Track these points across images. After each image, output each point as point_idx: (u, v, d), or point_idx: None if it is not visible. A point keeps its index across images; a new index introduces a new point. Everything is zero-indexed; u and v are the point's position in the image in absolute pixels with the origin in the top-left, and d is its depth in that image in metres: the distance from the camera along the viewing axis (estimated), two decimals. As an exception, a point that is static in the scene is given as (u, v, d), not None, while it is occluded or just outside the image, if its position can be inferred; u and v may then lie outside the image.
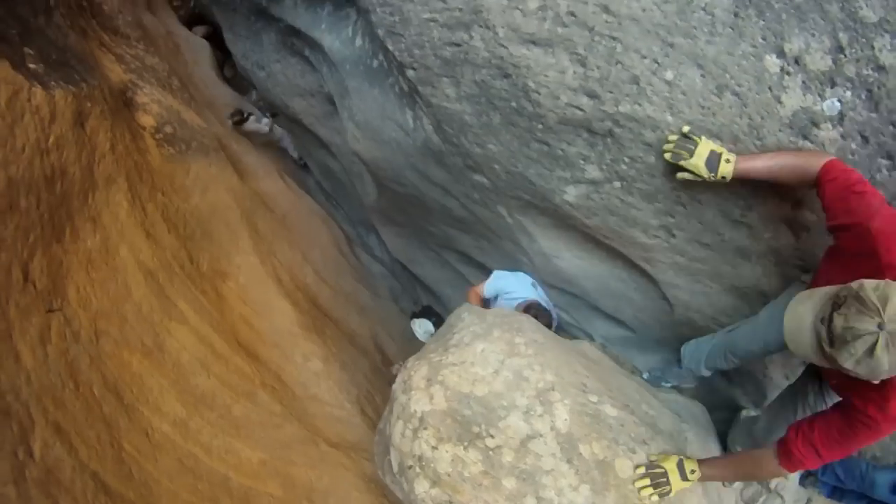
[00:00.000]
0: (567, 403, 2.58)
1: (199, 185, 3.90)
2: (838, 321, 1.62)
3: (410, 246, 4.66)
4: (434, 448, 2.50)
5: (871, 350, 1.58)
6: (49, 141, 2.93)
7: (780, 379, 3.18)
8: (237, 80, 5.55)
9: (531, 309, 3.15)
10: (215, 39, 5.61)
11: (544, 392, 2.60)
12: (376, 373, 3.98)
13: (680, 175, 2.40)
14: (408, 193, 3.92)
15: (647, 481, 2.42)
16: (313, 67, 4.39)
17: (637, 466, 2.48)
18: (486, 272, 4.21)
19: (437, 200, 3.74)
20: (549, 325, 3.01)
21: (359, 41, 3.71)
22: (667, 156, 2.39)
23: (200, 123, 4.23)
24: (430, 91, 3.04)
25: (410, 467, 2.56)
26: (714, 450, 3.15)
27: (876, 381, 1.70)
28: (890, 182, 2.18)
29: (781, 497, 3.35)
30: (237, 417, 3.11)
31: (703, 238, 2.82)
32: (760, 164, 2.23)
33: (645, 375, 3.45)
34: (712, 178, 2.30)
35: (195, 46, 5.41)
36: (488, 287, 3.49)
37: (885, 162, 2.16)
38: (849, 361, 1.62)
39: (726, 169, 2.25)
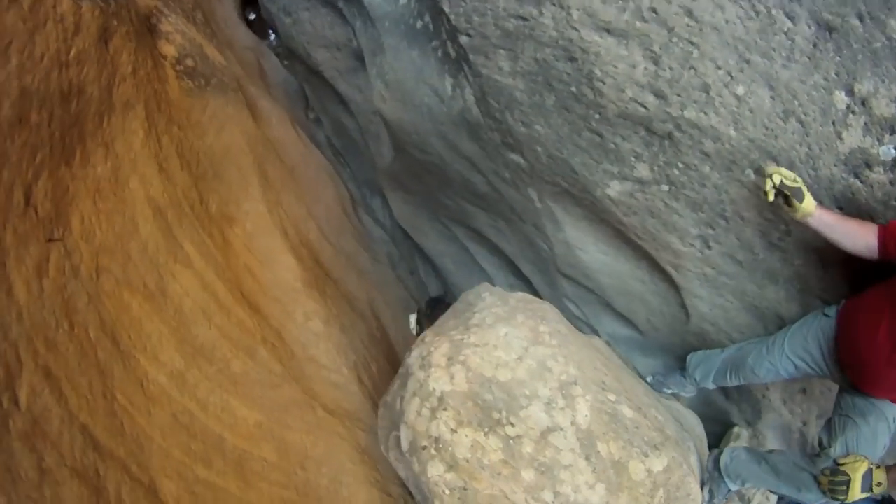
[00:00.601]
0: (588, 399, 2.41)
1: (216, 123, 3.47)
2: None
3: (419, 215, 4.33)
4: (453, 431, 2.30)
5: None
6: (70, 54, 2.48)
7: (778, 403, 3.07)
8: (258, 23, 5.06)
9: None
10: (242, -22, 5.11)
11: (567, 385, 2.42)
12: (373, 340, 3.69)
13: None
14: (429, 161, 3.59)
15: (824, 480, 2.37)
16: (344, 20, 3.94)
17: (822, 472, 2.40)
18: (498, 254, 3.95)
19: (460, 173, 3.43)
20: None
21: (403, -1, 3.34)
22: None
23: (221, 61, 3.77)
24: (482, 61, 2.73)
25: (425, 448, 2.34)
26: (697, 466, 3.02)
27: None
28: None
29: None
30: (236, 374, 2.78)
31: (737, 255, 2.68)
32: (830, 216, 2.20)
33: (648, 379, 3.27)
34: None
35: (220, -18, 4.89)
36: None
37: None
38: None
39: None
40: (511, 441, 2.30)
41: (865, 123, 2.08)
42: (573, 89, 2.51)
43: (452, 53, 2.97)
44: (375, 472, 2.96)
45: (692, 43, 2.20)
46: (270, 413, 2.80)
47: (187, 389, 2.59)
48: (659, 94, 2.32)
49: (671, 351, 3.26)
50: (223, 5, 4.73)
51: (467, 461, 2.28)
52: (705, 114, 2.29)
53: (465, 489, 2.29)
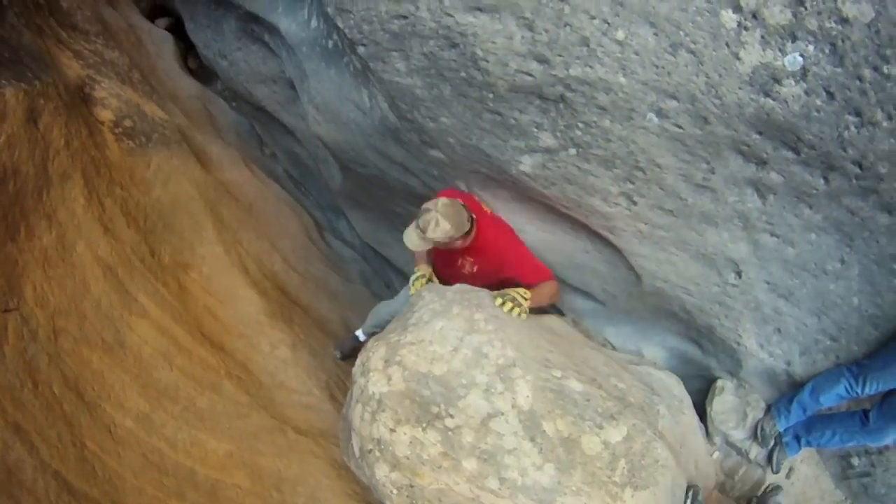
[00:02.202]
0: (529, 379, 2.57)
1: (161, 177, 3.93)
2: None
3: (379, 229, 4.68)
4: (392, 430, 2.50)
5: None
6: (0, 140, 2.99)
7: (755, 348, 3.20)
8: (201, 71, 5.59)
9: None
10: (178, 31, 5.64)
11: (505, 368, 2.59)
12: (347, 358, 4.05)
13: None
14: (370, 174, 3.95)
15: (508, 304, 2.86)
16: (274, 53, 4.40)
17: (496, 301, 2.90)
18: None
19: (398, 179, 3.77)
20: None
21: (314, 22, 3.73)
22: None
23: (162, 116, 4.26)
24: (381, 67, 3.04)
25: (370, 451, 2.56)
26: (690, 421, 3.19)
27: None
28: (858, 140, 2.19)
29: (762, 466, 3.41)
30: (202, 409, 3.16)
31: (666, 204, 2.83)
32: None
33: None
34: None
35: (158, 39, 5.41)
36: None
37: (852, 119, 2.15)
38: None
39: None
40: (450, 433, 2.45)
41: (762, 37, 2.09)
42: (463, 74, 2.75)
43: (359, 65, 3.33)
44: (354, 484, 3.26)
45: (561, 0, 2.29)
46: (240, 441, 3.16)
47: (154, 430, 2.98)
48: (541, 59, 2.48)
49: (637, 316, 3.46)
50: (164, 59, 5.27)
51: (407, 458, 2.45)
52: (590, 67, 2.37)
53: (410, 486, 2.46)
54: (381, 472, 2.52)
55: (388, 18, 2.82)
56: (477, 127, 2.97)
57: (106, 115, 3.89)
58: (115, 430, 2.88)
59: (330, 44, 3.62)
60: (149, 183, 3.86)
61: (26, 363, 2.73)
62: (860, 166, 2.29)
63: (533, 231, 3.36)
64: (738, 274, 2.98)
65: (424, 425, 2.49)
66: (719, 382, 3.38)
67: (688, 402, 3.30)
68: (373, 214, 4.58)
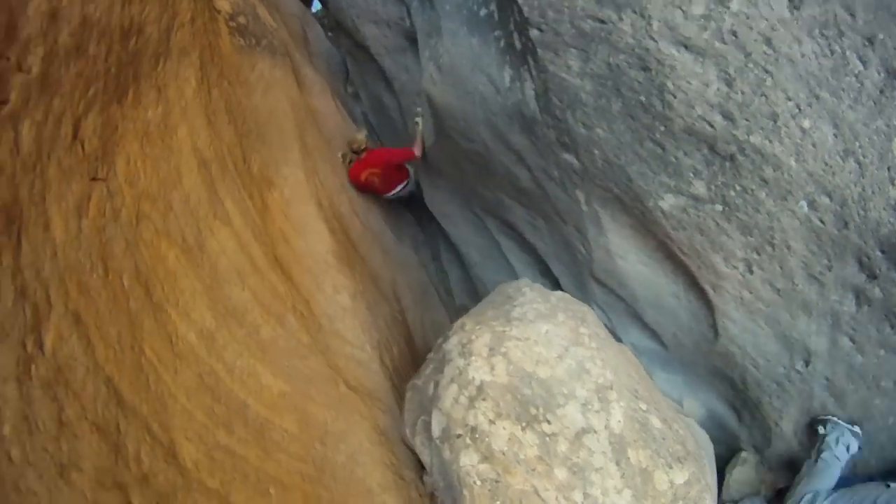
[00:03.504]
0: (622, 406, 2.27)
1: (262, 84, 3.20)
2: None
3: (451, 202, 4.08)
4: (491, 422, 2.15)
5: None
6: (132, -10, 2.22)
7: (789, 434, 2.91)
8: (304, -10, 4.78)
9: None
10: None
11: (603, 389, 2.28)
12: (395, 322, 3.45)
13: None
14: (472, 150, 3.35)
15: None
16: (402, -1, 3.70)
17: None
18: (530, 251, 3.73)
19: (505, 165, 3.19)
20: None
21: (473, -16, 3.08)
22: None
23: (272, 23, 3.49)
24: (550, 57, 2.51)
25: (459, 436, 2.18)
26: (712, 483, 2.87)
27: None
28: None
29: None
30: (265, 340, 2.53)
31: (777, 283, 2.54)
32: None
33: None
34: None
35: (272, -55, 4.56)
36: None
37: None
38: None
39: None
40: (547, 438, 2.15)
41: None
42: (642, 98, 2.31)
43: (518, 45, 2.73)
44: (391, 454, 2.74)
45: (767, 71, 2.08)
46: (296, 384, 2.57)
47: (216, 350, 2.34)
48: (727, 116, 2.18)
49: (691, 370, 3.08)
50: (275, -31, 4.43)
51: (503, 454, 2.12)
52: (770, 141, 2.17)
53: (497, 481, 2.12)
54: (468, 461, 2.16)
55: (583, 16, 2.34)
56: (632, 150, 2.49)
57: (224, 5, 3.13)
58: (177, 341, 2.23)
59: (483, 11, 2.99)
60: (251, 86, 3.13)
61: (102, 244, 2.04)
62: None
63: (634, 261, 2.87)
64: (807, 363, 2.71)
65: (524, 425, 2.16)
66: (744, 454, 3.06)
67: (713, 462, 2.99)
68: (451, 186, 3.96)
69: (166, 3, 2.41)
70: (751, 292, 2.61)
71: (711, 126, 2.23)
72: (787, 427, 2.89)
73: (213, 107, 2.70)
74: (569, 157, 2.74)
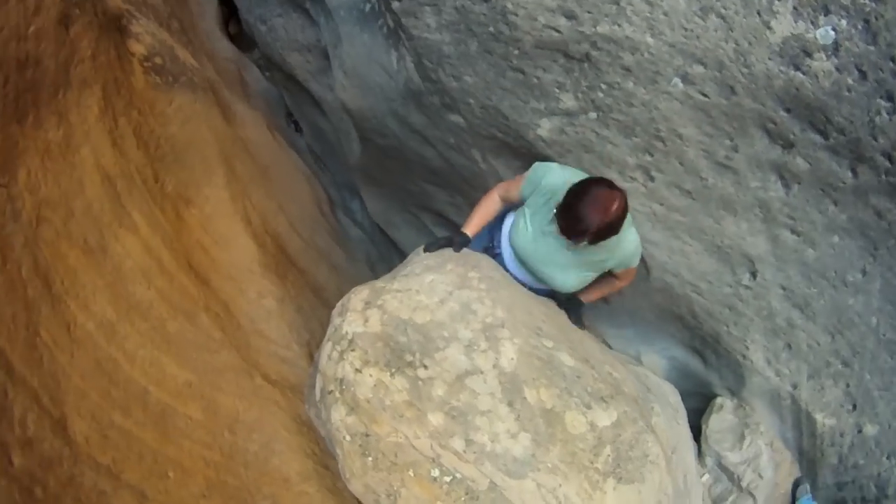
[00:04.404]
0: (516, 343, 2.40)
1: (181, 116, 3.92)
2: None
3: (390, 208, 4.60)
4: (357, 371, 2.30)
5: None
6: (29, 30, 2.98)
7: (762, 363, 3.00)
8: (240, 38, 5.72)
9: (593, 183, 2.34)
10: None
11: (492, 328, 2.43)
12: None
13: None
14: (389, 145, 3.90)
15: None
16: (313, 22, 4.47)
17: None
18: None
19: (415, 150, 3.71)
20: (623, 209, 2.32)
21: (355, -15, 3.80)
22: None
23: (193, 63, 4.29)
24: (412, 22, 3.01)
25: (331, 392, 2.34)
26: (685, 432, 2.96)
27: None
28: (890, 128, 2.08)
29: (753, 497, 3.12)
30: (171, 333, 3.02)
31: (684, 183, 2.71)
32: None
33: None
34: None
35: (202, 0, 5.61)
36: (525, 188, 2.55)
37: (884, 104, 2.05)
38: None
39: None
40: (420, 382, 2.26)
41: (794, 7, 2.04)
42: (491, 29, 2.70)
43: (391, 24, 3.33)
44: (314, 444, 3.07)
45: None
46: (203, 375, 3.00)
47: (115, 340, 2.84)
48: (570, 15, 2.42)
49: (639, 317, 3.28)
50: (205, 20, 5.38)
51: (368, 401, 2.24)
52: (618, 25, 2.32)
53: (366, 435, 2.23)
54: (338, 415, 2.28)
55: None
56: (499, 86, 2.92)
57: (138, 48, 3.92)
58: (75, 328, 2.75)
59: (367, 7, 3.65)
60: (168, 117, 3.85)
61: (1, 239, 2.64)
62: (890, 159, 2.17)
63: (543, 209, 3.23)
64: (753, 274, 2.81)
65: (393, 370, 2.30)
66: (718, 400, 3.17)
67: (683, 412, 3.08)
68: (386, 192, 4.51)
69: (63, 41, 3.16)
70: (661, 203, 2.78)
71: (558, 31, 2.46)
72: (757, 357, 2.97)
73: (119, 132, 3.39)
74: (454, 118, 3.21)
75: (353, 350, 2.36)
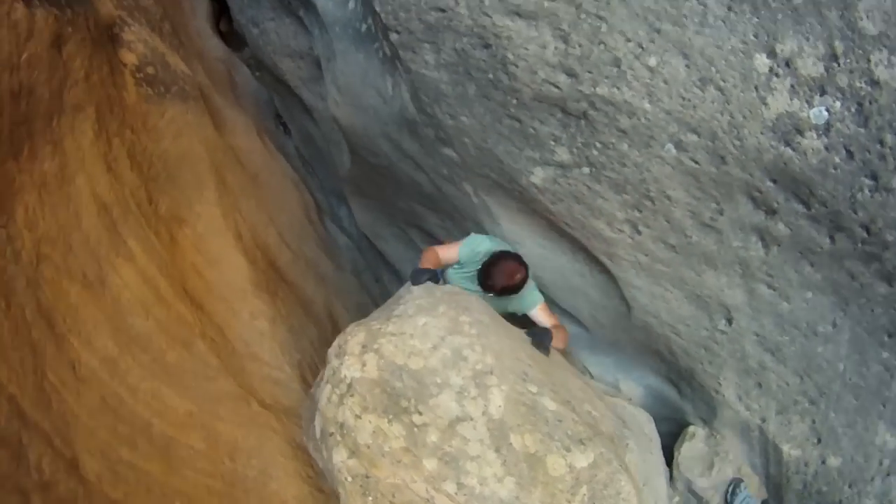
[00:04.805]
0: (504, 389, 2.54)
1: (173, 129, 3.94)
2: None
3: (378, 221, 4.69)
4: (357, 417, 2.46)
5: None
6: (22, 58, 2.97)
7: (733, 398, 3.20)
8: (231, 36, 5.64)
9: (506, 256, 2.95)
10: (216, -9, 5.71)
11: (482, 374, 2.56)
12: (325, 343, 4.01)
13: None
14: (380, 164, 3.96)
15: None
16: (306, 29, 4.43)
17: None
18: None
19: (407, 174, 3.79)
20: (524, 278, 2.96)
21: (351, 3, 3.75)
22: None
23: (185, 70, 4.28)
24: (410, 56, 3.04)
25: (332, 434, 2.50)
26: (657, 461, 3.17)
27: None
28: (870, 204, 2.18)
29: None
30: (170, 364, 3.14)
31: (669, 238, 2.84)
32: None
33: None
34: None
35: (195, -4, 5.52)
36: (462, 251, 3.09)
37: (868, 182, 2.15)
38: None
39: None
40: (415, 429, 2.42)
41: (792, 86, 2.09)
42: (490, 76, 2.76)
43: (388, 52, 3.36)
44: (309, 468, 3.24)
45: (600, 17, 2.27)
46: (202, 404, 3.13)
47: (118, 374, 2.95)
48: (570, 73, 2.48)
49: (620, 349, 3.47)
50: (196, 18, 5.31)
51: (368, 447, 2.41)
52: (618, 88, 2.36)
53: (366, 476, 2.42)
54: (339, 457, 2.46)
55: (427, 9, 2.81)
56: (495, 131, 2.99)
57: (130, 58, 3.91)
58: (79, 367, 2.86)
59: (363, 27, 3.65)
60: (160, 132, 3.87)
61: (4, 283, 2.70)
62: (868, 231, 2.29)
63: (532, 245, 3.36)
64: (729, 321, 2.98)
65: (391, 417, 2.46)
66: (691, 429, 3.38)
67: (657, 442, 3.30)
68: (375, 205, 4.59)
69: (57, 64, 3.17)
70: (646, 254, 2.94)
71: (557, 87, 2.50)
72: (729, 393, 3.17)
73: (113, 154, 3.43)
74: (448, 152, 3.29)
75: (352, 395, 2.51)
